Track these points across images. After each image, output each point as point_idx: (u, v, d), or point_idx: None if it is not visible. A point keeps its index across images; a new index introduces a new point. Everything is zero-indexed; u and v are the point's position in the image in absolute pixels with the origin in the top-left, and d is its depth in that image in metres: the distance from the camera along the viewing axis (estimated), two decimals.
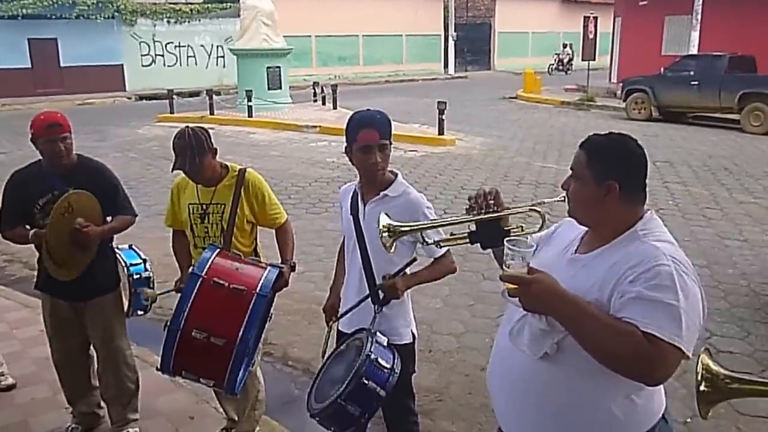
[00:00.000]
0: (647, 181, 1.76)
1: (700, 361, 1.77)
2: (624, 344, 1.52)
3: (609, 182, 1.68)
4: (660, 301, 1.52)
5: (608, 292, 1.61)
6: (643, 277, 1.56)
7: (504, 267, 1.60)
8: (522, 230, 1.88)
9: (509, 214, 1.88)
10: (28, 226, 3.04)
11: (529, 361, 1.73)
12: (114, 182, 3.19)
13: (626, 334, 1.52)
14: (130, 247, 3.56)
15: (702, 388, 1.74)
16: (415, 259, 2.50)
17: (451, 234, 2.02)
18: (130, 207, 3.24)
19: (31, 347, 4.22)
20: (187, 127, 2.93)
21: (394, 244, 1.97)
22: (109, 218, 3.14)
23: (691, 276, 1.59)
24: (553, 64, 32.98)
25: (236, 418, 3.22)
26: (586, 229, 1.81)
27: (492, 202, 1.88)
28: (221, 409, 3.39)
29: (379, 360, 2.25)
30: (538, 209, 1.90)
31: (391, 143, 2.52)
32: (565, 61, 32.93)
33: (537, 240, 1.98)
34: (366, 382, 2.19)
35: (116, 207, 3.17)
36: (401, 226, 1.98)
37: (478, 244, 1.92)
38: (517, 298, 1.59)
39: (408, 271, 2.60)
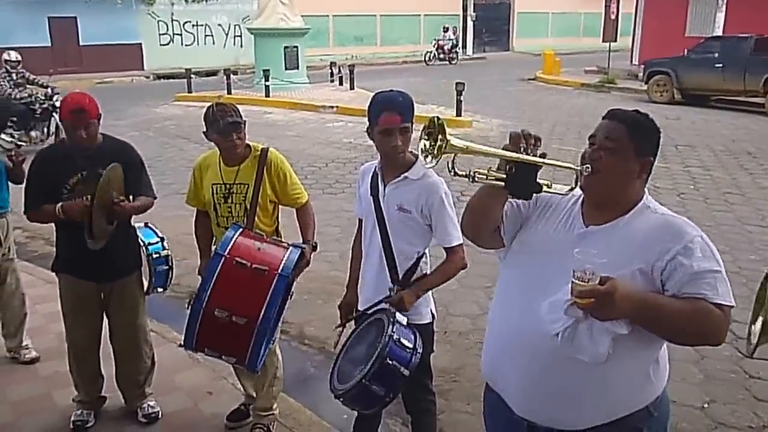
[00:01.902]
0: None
1: None
2: (704, 320, 1.61)
3: (647, 158, 1.74)
4: (710, 270, 1.63)
5: (650, 264, 1.64)
6: (688, 252, 1.63)
7: (575, 280, 1.52)
8: (549, 187, 1.72)
9: (551, 164, 1.69)
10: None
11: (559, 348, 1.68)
12: (141, 160, 3.20)
13: (701, 310, 1.60)
14: (146, 225, 3.60)
15: None
16: (421, 256, 2.49)
17: (489, 169, 1.73)
18: (152, 188, 3.25)
19: (53, 322, 4.27)
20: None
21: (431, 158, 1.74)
22: (130, 197, 3.13)
23: None
24: (431, 52, 27.21)
25: (254, 395, 3.27)
26: (573, 203, 1.81)
27: (538, 146, 1.66)
28: (239, 385, 3.44)
29: (402, 340, 2.26)
30: (575, 167, 1.73)
31: (413, 125, 2.51)
32: (447, 48, 27.17)
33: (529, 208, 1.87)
34: (390, 362, 2.20)
35: (141, 186, 3.17)
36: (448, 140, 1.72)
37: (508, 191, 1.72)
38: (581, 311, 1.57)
39: (426, 253, 2.60)
